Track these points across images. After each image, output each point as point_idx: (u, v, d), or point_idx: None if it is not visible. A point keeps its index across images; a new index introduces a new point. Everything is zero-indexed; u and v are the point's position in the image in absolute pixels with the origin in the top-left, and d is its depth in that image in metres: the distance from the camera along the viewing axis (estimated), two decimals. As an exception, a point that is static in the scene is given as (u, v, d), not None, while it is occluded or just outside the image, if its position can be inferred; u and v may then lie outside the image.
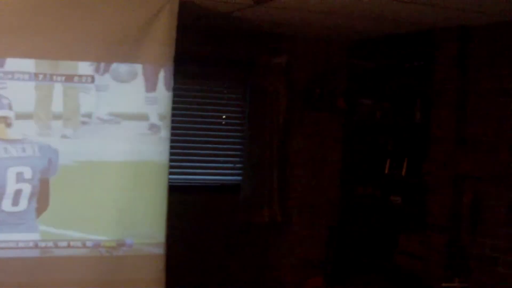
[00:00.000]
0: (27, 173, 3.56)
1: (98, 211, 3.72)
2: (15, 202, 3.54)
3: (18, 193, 3.54)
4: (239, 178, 5.37)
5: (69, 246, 3.69)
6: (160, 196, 3.80)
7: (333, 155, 5.67)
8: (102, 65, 3.68)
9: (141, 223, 3.78)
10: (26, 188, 3.56)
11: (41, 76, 3.57)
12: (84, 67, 3.65)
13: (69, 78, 3.63)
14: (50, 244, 3.65)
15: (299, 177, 5.55)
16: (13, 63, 3.50)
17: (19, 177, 3.55)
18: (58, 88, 3.62)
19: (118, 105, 3.74)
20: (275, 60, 5.27)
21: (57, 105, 3.62)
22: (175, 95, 3.90)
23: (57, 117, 3.62)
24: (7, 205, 3.52)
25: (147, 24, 3.74)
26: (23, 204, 3.56)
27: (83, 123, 3.66)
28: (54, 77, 3.60)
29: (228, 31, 5.10)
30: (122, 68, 3.74)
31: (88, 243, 3.71)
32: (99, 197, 3.72)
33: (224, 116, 5.42)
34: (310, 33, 5.27)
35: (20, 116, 3.54)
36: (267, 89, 5.28)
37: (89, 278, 3.72)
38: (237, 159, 5.42)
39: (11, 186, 3.52)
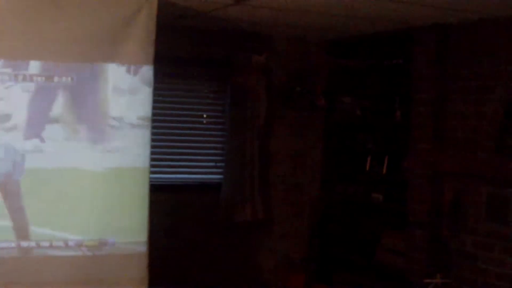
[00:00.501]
0: None
1: (79, 211, 3.68)
2: None
3: None
4: (220, 176, 5.37)
5: (51, 246, 3.64)
6: (141, 195, 3.77)
7: (314, 153, 5.69)
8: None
9: (122, 222, 3.75)
10: None
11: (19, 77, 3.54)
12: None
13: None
14: (32, 244, 3.60)
15: (280, 175, 5.58)
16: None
17: None
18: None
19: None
20: (255, 58, 5.27)
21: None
22: (155, 95, 3.86)
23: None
24: None
25: (125, 24, 3.70)
26: None
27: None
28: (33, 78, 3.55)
29: (208, 31, 5.09)
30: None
31: (70, 243, 3.66)
32: (79, 198, 3.68)
33: (204, 115, 5.41)
34: (289, 31, 5.29)
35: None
36: (247, 88, 5.29)
37: (72, 278, 3.68)
38: (218, 157, 5.41)
39: None
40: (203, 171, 5.44)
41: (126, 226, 3.77)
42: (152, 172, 3.86)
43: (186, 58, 5.11)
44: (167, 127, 5.18)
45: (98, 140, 3.70)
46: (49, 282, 3.65)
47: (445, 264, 4.48)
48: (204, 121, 5.41)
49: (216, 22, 4.77)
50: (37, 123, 3.59)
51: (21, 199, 3.59)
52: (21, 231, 3.60)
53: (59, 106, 3.62)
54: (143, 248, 3.79)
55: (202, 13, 4.46)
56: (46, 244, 3.64)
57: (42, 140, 3.60)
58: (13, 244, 3.59)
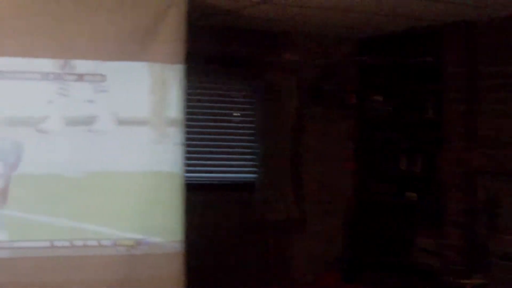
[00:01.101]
0: None
1: (116, 210, 3.69)
2: None
3: None
4: (253, 175, 5.37)
5: (85, 245, 3.63)
6: (176, 194, 3.77)
7: (346, 152, 5.64)
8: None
9: (158, 221, 3.74)
10: None
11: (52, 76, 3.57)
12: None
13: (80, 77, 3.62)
14: (66, 243, 3.61)
15: (313, 173, 5.52)
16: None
17: None
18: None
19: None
20: (285, 57, 5.26)
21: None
22: (186, 94, 3.83)
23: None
24: None
25: (155, 23, 3.69)
26: None
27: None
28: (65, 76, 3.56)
29: (237, 29, 5.07)
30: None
31: (106, 242, 3.66)
32: (117, 198, 3.71)
33: (236, 114, 5.39)
34: (318, 29, 5.25)
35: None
36: (277, 86, 5.29)
37: (107, 277, 3.67)
38: (251, 156, 5.40)
39: None
40: (236, 170, 5.42)
41: (162, 225, 3.75)
42: (186, 172, 3.86)
43: (216, 57, 5.09)
44: (198, 126, 5.14)
45: (134, 141, 3.71)
46: (84, 281, 3.64)
47: (483, 265, 4.41)
48: (235, 119, 5.38)
49: (246, 20, 4.76)
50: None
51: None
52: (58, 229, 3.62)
53: (97, 106, 3.63)
54: (179, 248, 3.77)
55: (231, 11, 4.45)
56: (81, 243, 3.63)
57: None
58: (48, 243, 3.58)
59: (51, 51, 3.55)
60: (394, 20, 4.64)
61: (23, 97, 3.52)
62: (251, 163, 5.42)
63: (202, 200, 4.93)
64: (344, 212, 5.65)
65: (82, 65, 3.59)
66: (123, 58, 3.67)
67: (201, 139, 5.21)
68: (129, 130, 3.71)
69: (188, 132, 4.18)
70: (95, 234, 3.66)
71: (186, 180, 3.86)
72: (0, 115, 3.48)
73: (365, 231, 5.56)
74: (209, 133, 5.26)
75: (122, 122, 3.69)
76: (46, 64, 3.54)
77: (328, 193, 5.59)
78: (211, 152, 5.30)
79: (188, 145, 4.46)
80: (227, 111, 5.37)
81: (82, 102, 3.61)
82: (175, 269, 3.78)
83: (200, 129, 5.18)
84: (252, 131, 5.40)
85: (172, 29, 3.74)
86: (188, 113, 4.03)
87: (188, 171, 4.39)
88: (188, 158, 4.36)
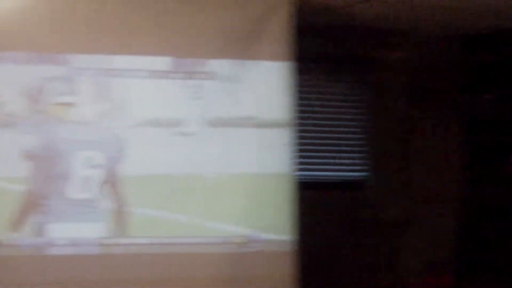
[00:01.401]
0: (98, 158, 3.57)
1: (229, 209, 3.75)
2: (84, 189, 3.55)
3: (87, 179, 3.55)
4: (363, 174, 5.33)
5: (197, 243, 3.70)
6: (287, 193, 3.79)
7: (456, 151, 5.51)
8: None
9: (269, 220, 3.78)
10: (97, 175, 3.56)
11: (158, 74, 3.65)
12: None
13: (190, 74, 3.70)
14: (180, 240, 3.67)
15: (422, 174, 5.41)
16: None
17: (89, 162, 3.55)
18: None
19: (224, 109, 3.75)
20: (393, 56, 5.21)
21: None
22: (296, 93, 3.87)
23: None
24: (74, 192, 3.54)
25: (263, 20, 3.74)
26: (92, 191, 3.55)
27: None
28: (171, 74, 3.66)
29: (344, 27, 5.03)
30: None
31: (216, 239, 3.72)
32: (231, 198, 3.76)
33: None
34: (426, 27, 5.15)
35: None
36: (387, 85, 5.24)
37: (217, 275, 3.73)
38: (360, 155, 5.36)
39: (80, 172, 3.54)
40: (346, 168, 5.38)
41: (272, 224, 3.79)
42: (298, 170, 3.88)
43: (325, 56, 5.09)
44: (308, 124, 5.10)
45: (243, 142, 3.75)
46: (193, 279, 3.70)
47: None
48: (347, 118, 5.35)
49: (355, 18, 4.74)
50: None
51: None
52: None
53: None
54: (289, 247, 3.79)
55: (340, 8, 4.45)
56: (193, 240, 3.70)
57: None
58: (163, 240, 3.66)
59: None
60: (500, 16, 4.54)
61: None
62: (362, 161, 5.37)
63: (312, 199, 4.90)
64: (454, 213, 5.50)
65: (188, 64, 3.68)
66: (229, 57, 3.72)
67: (312, 137, 5.18)
68: (238, 130, 3.76)
69: (299, 131, 4.18)
70: (207, 231, 3.72)
71: (298, 179, 3.88)
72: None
73: (476, 233, 5.37)
74: (321, 132, 5.24)
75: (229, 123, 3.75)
76: (164, 62, 3.64)
77: (437, 193, 5.45)
78: (322, 151, 5.29)
79: (300, 144, 4.45)
80: (336, 109, 5.34)
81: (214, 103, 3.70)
82: (285, 268, 3.79)
83: (312, 127, 5.16)
84: (362, 130, 5.35)
85: (280, 27, 3.76)
86: (299, 112, 4.02)
87: (300, 170, 4.43)
88: (299, 157, 4.37)
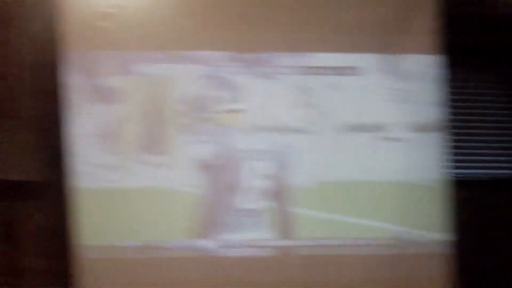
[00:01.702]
0: (270, 168, 3.60)
1: (378, 211, 3.72)
2: (253, 199, 3.60)
3: (257, 189, 3.60)
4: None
5: (341, 245, 3.70)
6: (441, 192, 3.72)
7: None
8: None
9: (422, 221, 3.73)
10: (267, 185, 3.60)
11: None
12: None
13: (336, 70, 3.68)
14: (334, 242, 3.69)
15: None
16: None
17: (260, 172, 3.61)
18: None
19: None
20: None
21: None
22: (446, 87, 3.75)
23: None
24: (243, 202, 3.60)
25: (409, 12, 3.66)
26: (260, 201, 3.61)
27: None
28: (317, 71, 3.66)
29: (495, 17, 4.80)
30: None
31: (368, 241, 3.71)
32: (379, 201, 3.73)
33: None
34: None
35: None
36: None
37: (376, 276, 3.71)
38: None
39: (251, 182, 3.59)
40: (503, 166, 5.09)
41: (426, 225, 3.73)
42: (453, 168, 3.86)
43: (474, 48, 4.85)
44: (464, 120, 4.94)
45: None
46: (351, 280, 3.72)
47: None
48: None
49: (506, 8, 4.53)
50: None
51: None
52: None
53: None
54: (444, 248, 3.72)
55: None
56: (337, 242, 3.70)
57: None
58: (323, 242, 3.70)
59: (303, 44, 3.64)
60: None
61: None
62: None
63: (470, 197, 4.70)
64: None
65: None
66: (376, 51, 3.68)
67: (466, 134, 4.97)
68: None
69: (453, 127, 4.03)
70: (365, 232, 3.72)
71: (453, 177, 3.83)
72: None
73: None
74: (475, 127, 5.03)
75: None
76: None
77: None
78: (472, 147, 5.04)
79: (454, 140, 4.30)
80: (486, 104, 5.07)
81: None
82: (440, 270, 3.73)
83: (466, 123, 4.97)
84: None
85: (427, 18, 3.67)
86: (452, 107, 3.88)
87: (455, 167, 4.32)
88: (454, 154, 4.30)
